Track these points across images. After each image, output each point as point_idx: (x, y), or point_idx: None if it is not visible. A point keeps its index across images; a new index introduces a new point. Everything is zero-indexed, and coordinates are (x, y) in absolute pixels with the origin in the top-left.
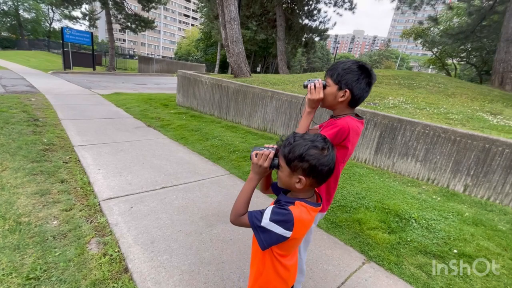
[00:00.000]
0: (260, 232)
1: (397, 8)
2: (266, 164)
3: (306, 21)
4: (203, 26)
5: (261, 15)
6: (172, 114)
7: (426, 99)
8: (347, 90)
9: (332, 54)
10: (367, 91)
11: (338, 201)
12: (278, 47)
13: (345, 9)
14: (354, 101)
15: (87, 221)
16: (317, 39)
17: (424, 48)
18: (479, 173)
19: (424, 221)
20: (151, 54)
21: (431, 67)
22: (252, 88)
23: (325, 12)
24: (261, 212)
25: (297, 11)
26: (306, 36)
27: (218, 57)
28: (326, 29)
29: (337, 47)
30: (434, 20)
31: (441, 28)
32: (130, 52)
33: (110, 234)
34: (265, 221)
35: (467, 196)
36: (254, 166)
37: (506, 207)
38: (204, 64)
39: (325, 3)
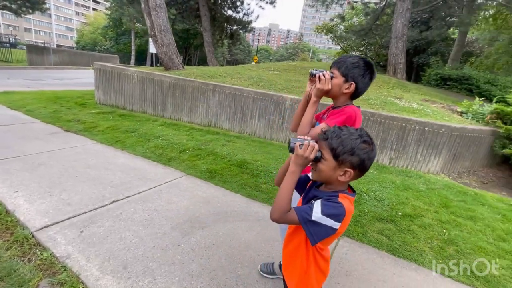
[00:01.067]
0: (311, 226)
1: (312, 6)
2: (312, 155)
3: (230, 12)
4: (110, 12)
5: (181, 3)
6: (94, 114)
7: None
8: (353, 83)
9: (252, 46)
10: (368, 86)
11: None
12: (205, 38)
13: (266, 2)
14: (356, 94)
15: (24, 260)
16: (241, 31)
17: (334, 42)
18: (399, 148)
19: (372, 193)
20: (45, 43)
21: None
22: (191, 82)
23: (248, 4)
24: (310, 207)
25: (220, 2)
26: (231, 27)
27: (133, 47)
28: (250, 21)
29: (259, 39)
30: (342, 18)
31: (345, 26)
32: (11, 39)
33: (65, 270)
34: (317, 215)
35: (392, 167)
36: (299, 158)
37: (419, 172)
38: (117, 56)
39: None
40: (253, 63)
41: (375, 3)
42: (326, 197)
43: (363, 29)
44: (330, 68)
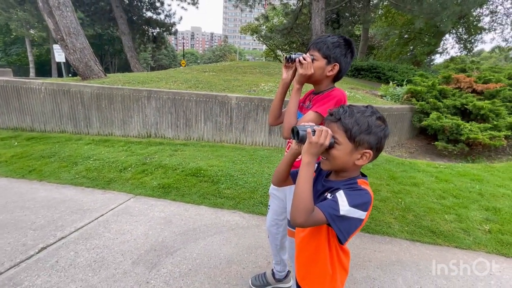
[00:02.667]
0: (340, 223)
1: (236, 6)
2: (327, 141)
3: (150, 14)
4: None
5: (89, 4)
6: None
7: None
8: (336, 64)
9: (177, 51)
10: (349, 66)
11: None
12: (124, 43)
13: (189, 3)
14: (339, 76)
15: None
16: (165, 33)
17: (260, 42)
18: None
19: None
20: None
21: (266, 58)
22: (120, 90)
23: (169, 5)
24: (334, 201)
25: (137, 3)
26: (153, 30)
27: (30, 58)
28: (174, 23)
29: (183, 43)
30: (266, 17)
31: (268, 26)
32: None
33: None
34: (345, 208)
35: None
36: (313, 146)
37: None
38: (9, 69)
39: None
40: (181, 67)
41: (293, 4)
42: (347, 187)
43: (285, 28)
44: (308, 50)
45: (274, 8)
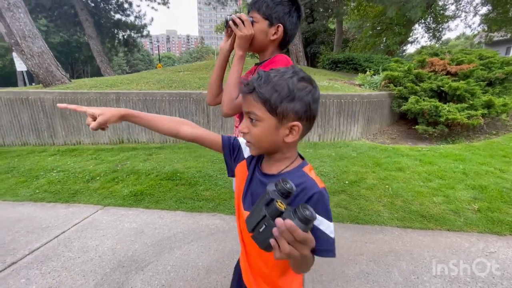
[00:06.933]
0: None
1: (208, 4)
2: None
3: (119, 16)
4: None
5: (51, 9)
6: None
7: None
8: (279, 24)
9: (153, 55)
10: (297, 28)
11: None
12: (93, 47)
13: (159, 3)
14: (285, 40)
15: None
16: (137, 35)
17: None
18: (324, 123)
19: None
20: None
21: None
22: (85, 94)
23: (138, 6)
24: (323, 238)
25: (104, 5)
26: (123, 33)
27: None
28: (145, 25)
29: (158, 46)
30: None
31: None
32: None
33: None
34: (332, 227)
35: (322, 142)
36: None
37: (345, 141)
38: None
39: None
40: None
41: None
42: (299, 187)
43: None
44: (248, 13)
45: (248, 4)
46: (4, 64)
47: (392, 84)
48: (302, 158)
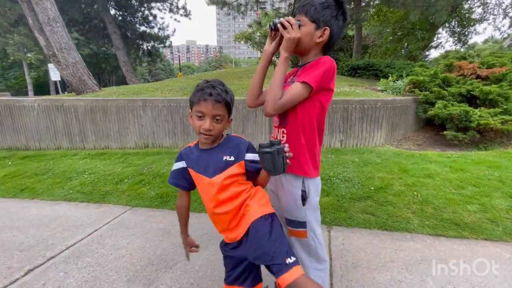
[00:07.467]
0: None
1: (228, 14)
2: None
3: (144, 28)
4: None
5: (83, 23)
6: None
7: None
8: (326, 28)
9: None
10: (342, 31)
11: None
12: (119, 58)
13: (181, 15)
14: (330, 43)
15: None
16: (160, 46)
17: (254, 49)
18: (346, 128)
19: (339, 176)
20: None
21: None
22: (114, 101)
23: (162, 18)
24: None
25: (130, 18)
26: (147, 44)
27: (28, 80)
28: (168, 36)
29: (179, 55)
30: (259, 23)
31: (262, 32)
32: None
33: None
34: (252, 155)
35: (344, 148)
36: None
37: (368, 147)
38: (7, 93)
39: (159, 9)
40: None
41: (285, 8)
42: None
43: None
44: (295, 16)
45: (266, 14)
46: (39, 75)
47: (417, 89)
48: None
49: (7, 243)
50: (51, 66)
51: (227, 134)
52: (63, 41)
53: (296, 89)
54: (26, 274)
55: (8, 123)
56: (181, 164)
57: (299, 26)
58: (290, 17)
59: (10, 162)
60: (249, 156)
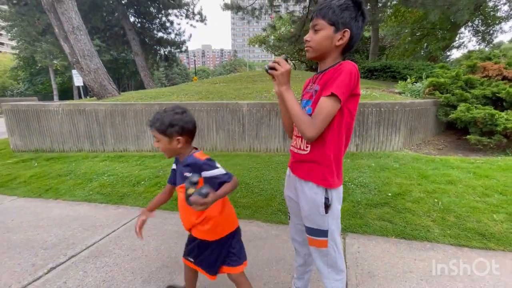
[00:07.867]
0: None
1: (242, 18)
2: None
3: (161, 34)
4: (18, 51)
5: (104, 30)
6: (11, 165)
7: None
8: (346, 30)
9: (189, 69)
10: (362, 32)
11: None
12: (138, 63)
13: (197, 20)
14: (349, 45)
15: None
16: (176, 51)
17: (268, 52)
18: (362, 132)
19: (355, 181)
20: None
21: None
22: (132, 105)
23: (178, 24)
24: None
25: (148, 25)
26: (164, 49)
27: (54, 85)
28: (184, 41)
29: (195, 60)
30: (273, 27)
31: (276, 35)
32: None
33: None
34: (216, 170)
35: (360, 153)
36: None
37: (385, 152)
38: (35, 98)
39: (176, 16)
40: (192, 82)
41: (299, 11)
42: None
43: (293, 36)
44: (311, 20)
45: (281, 17)
46: (63, 80)
47: (437, 92)
48: (196, 149)
49: (32, 241)
50: (74, 72)
51: (192, 151)
52: (86, 49)
53: (327, 107)
54: (49, 271)
55: (35, 126)
56: (174, 166)
57: (286, 59)
58: (276, 57)
59: (36, 164)
60: (206, 173)
